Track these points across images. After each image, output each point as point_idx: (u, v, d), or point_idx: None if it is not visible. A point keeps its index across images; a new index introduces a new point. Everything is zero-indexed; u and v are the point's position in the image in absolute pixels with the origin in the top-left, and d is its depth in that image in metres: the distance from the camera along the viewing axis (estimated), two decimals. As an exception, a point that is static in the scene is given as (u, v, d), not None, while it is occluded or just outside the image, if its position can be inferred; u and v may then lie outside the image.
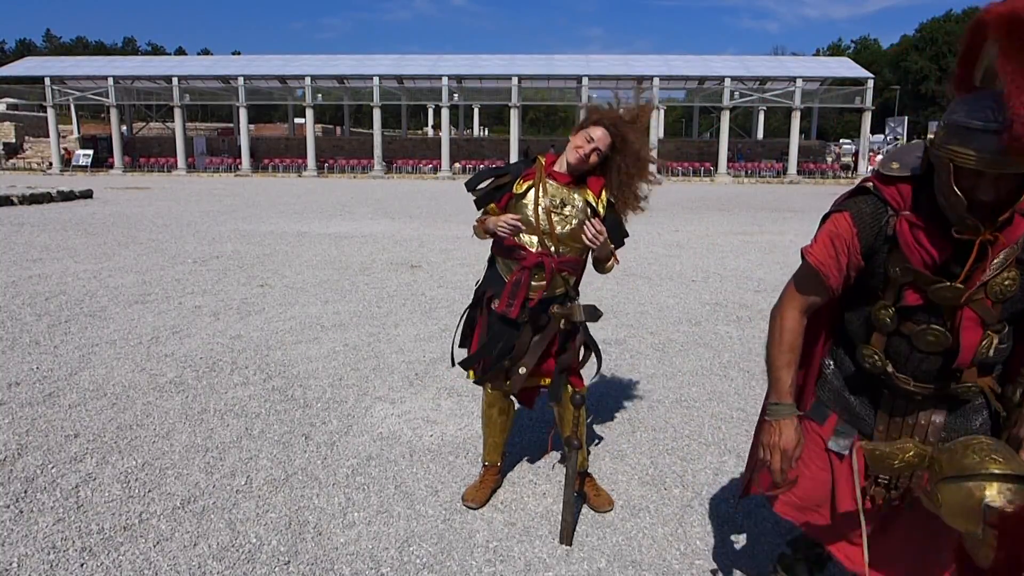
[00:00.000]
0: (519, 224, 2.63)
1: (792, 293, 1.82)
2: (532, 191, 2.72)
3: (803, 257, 1.78)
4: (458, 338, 3.04)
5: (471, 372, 2.97)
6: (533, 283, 2.72)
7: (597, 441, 3.65)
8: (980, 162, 1.43)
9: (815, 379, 1.95)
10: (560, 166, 2.75)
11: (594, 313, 2.85)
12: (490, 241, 2.86)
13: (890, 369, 1.73)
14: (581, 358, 2.93)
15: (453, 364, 3.04)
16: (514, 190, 2.74)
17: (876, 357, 1.74)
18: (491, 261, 2.91)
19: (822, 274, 1.73)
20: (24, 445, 3.48)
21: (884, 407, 1.81)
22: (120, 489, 3.05)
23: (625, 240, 2.82)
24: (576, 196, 2.71)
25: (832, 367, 1.91)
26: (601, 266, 2.77)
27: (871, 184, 1.71)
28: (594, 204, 2.71)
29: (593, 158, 2.66)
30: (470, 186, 2.85)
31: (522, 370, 2.78)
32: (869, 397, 1.84)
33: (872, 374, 1.79)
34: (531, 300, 2.73)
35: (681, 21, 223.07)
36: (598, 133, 2.64)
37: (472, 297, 2.98)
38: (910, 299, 1.67)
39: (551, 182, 2.72)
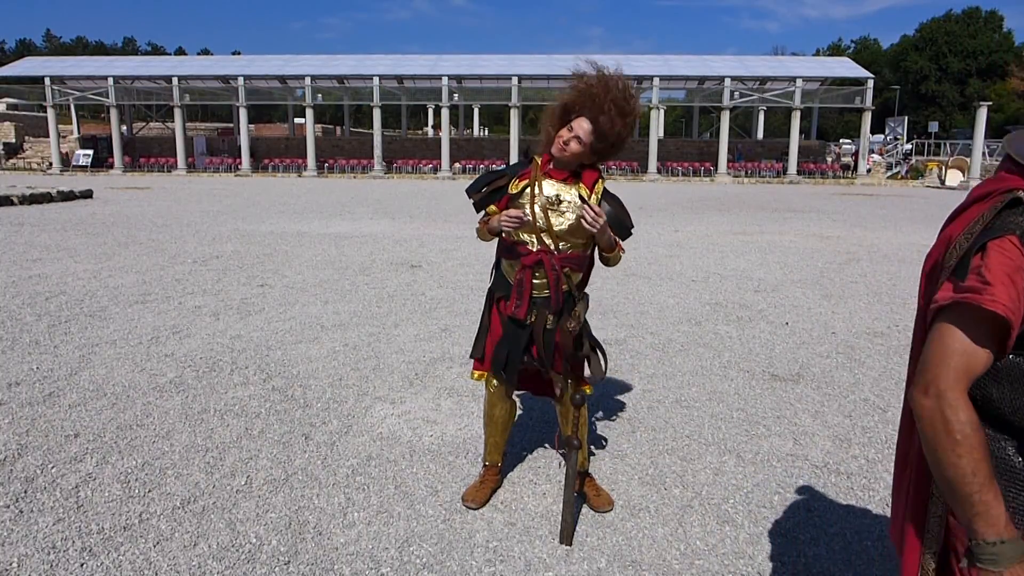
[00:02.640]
0: (521, 216, 2.61)
1: (957, 366, 1.20)
2: (528, 189, 2.71)
3: (965, 308, 1.21)
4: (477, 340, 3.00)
5: (478, 374, 2.97)
6: (535, 281, 2.72)
7: (597, 441, 3.66)
8: None
9: None
10: (555, 162, 2.74)
11: (587, 302, 2.87)
12: (494, 243, 2.87)
13: None
14: (589, 362, 2.92)
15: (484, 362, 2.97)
16: (510, 190, 2.74)
17: None
18: (497, 264, 2.92)
19: (1013, 324, 1.19)
20: (24, 445, 3.48)
21: None
22: (120, 489, 3.06)
23: (631, 231, 2.80)
24: (572, 191, 2.70)
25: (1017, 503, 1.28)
26: (606, 257, 2.77)
27: (1022, 192, 1.26)
28: (587, 198, 2.70)
29: (574, 146, 2.62)
30: (470, 190, 2.86)
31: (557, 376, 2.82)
32: None
33: None
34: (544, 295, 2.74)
35: (681, 21, 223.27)
36: (585, 127, 2.60)
37: (485, 300, 2.99)
38: None
39: (547, 180, 2.72)
